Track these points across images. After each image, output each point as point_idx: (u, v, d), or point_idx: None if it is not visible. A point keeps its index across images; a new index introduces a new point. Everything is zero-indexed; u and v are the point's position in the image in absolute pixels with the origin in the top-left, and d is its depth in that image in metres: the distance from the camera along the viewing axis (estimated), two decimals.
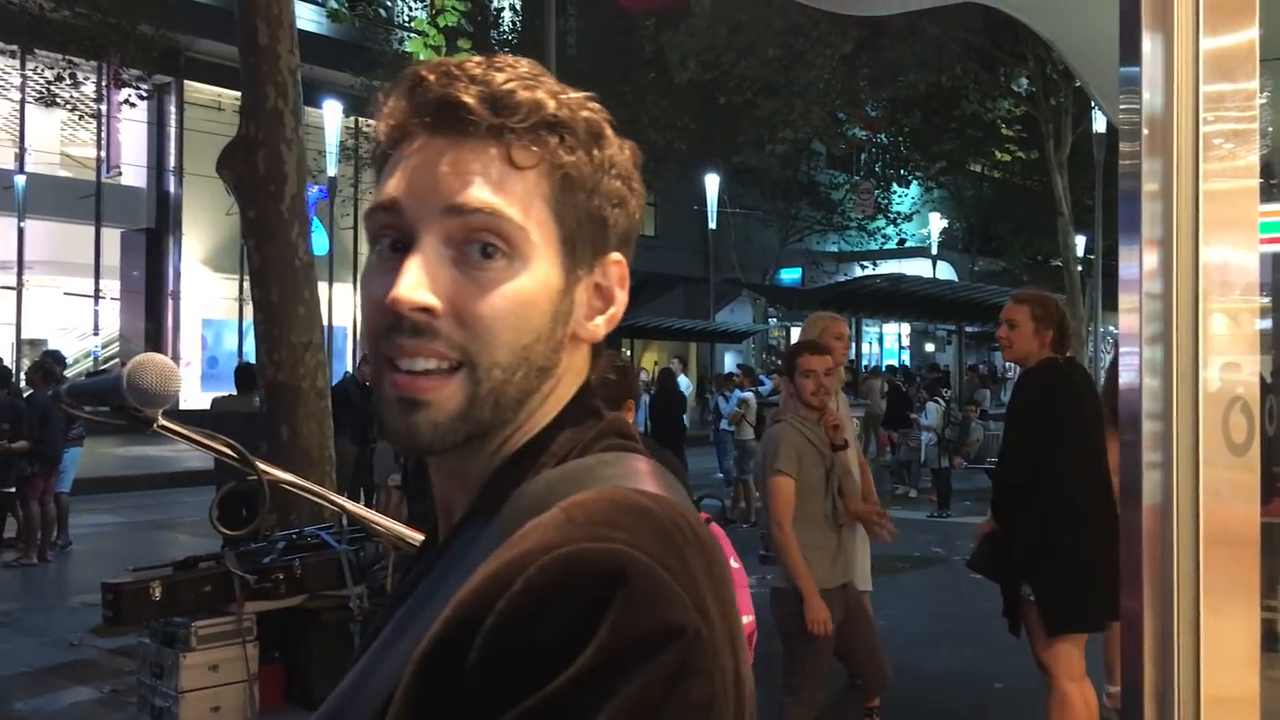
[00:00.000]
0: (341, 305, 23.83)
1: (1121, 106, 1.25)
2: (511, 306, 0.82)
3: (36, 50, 18.84)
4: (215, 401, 9.84)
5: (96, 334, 24.96)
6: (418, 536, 1.47)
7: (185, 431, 1.30)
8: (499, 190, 0.83)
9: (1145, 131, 1.22)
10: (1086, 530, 4.01)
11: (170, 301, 26.28)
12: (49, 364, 10.43)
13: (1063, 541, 4.08)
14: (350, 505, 1.42)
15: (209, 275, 27.04)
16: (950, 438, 13.85)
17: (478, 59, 0.87)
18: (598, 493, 0.78)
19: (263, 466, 1.39)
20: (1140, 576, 1.22)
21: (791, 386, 4.45)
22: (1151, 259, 1.22)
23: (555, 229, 0.85)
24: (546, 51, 11.66)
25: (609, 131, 0.90)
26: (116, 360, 25.73)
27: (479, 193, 0.82)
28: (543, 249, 0.84)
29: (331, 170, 19.41)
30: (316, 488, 1.42)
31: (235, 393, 9.45)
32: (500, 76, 0.84)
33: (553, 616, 0.69)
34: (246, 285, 26.62)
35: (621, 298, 0.91)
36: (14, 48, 18.94)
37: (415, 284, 0.81)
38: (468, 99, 0.83)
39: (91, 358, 24.52)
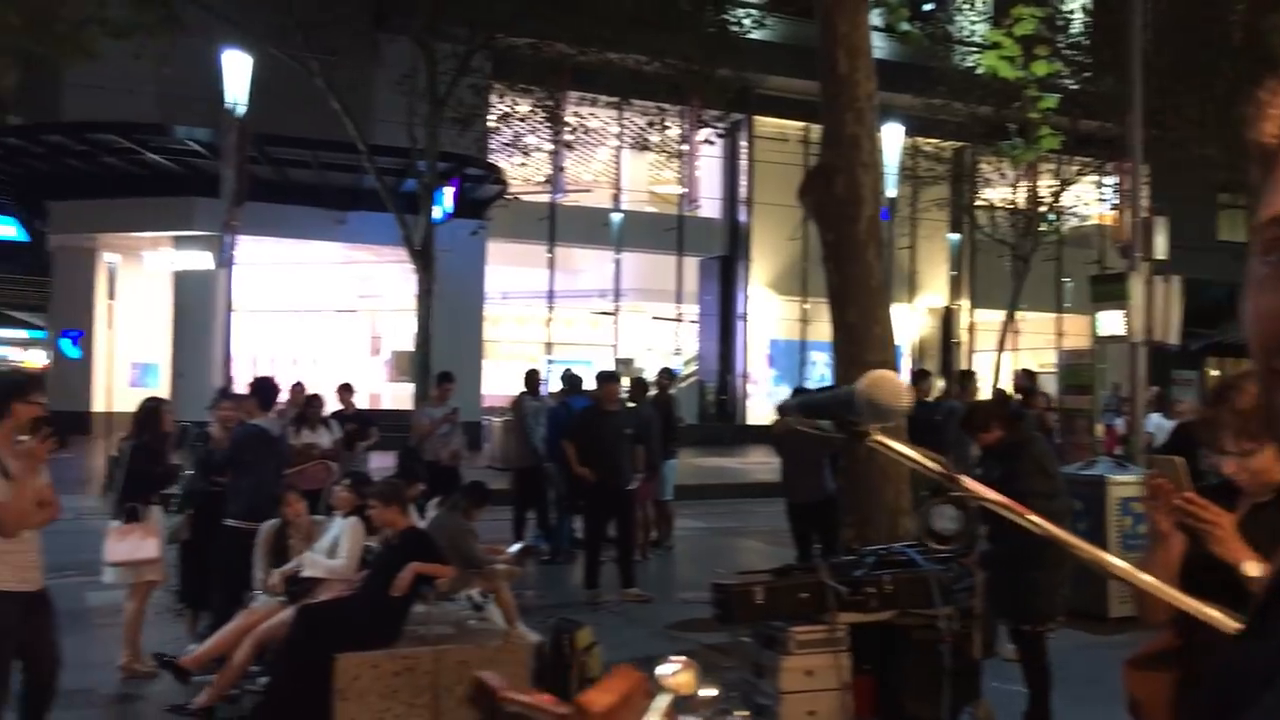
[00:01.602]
0: (896, 325, 23.98)
1: None
2: None
3: (631, 101, 21.10)
4: (777, 422, 10.33)
5: (678, 354, 27.39)
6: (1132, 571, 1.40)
7: (897, 446, 1.35)
8: None
9: None
10: None
11: (739, 323, 28.13)
12: (661, 380, 11.95)
13: None
14: (1056, 530, 1.37)
15: (773, 298, 28.56)
16: None
17: None
18: None
19: (968, 484, 1.40)
20: None
21: None
22: None
23: None
24: (1129, 49, 10.91)
25: None
26: (694, 376, 28.03)
27: None
28: None
29: (891, 192, 19.62)
30: (1020, 508, 1.40)
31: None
32: None
33: None
34: (807, 307, 27.60)
35: None
36: (615, 99, 21.39)
37: None
38: None
39: (673, 376, 26.91)
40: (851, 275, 7.78)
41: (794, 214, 26.59)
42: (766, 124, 27.43)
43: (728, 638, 7.14)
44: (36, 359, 31.36)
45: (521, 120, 19.44)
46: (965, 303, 30.60)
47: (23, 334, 33.39)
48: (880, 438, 1.35)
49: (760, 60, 21.22)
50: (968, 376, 11.86)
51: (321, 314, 27.10)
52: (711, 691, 3.36)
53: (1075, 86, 18.60)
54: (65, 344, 23.31)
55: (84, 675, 6.05)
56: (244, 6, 15.37)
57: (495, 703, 3.01)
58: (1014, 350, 25.87)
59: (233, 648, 6.06)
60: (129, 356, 24.09)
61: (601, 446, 9.25)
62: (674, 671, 2.94)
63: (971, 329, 30.74)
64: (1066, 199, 22.77)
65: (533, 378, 11.62)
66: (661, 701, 2.91)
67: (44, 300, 25.62)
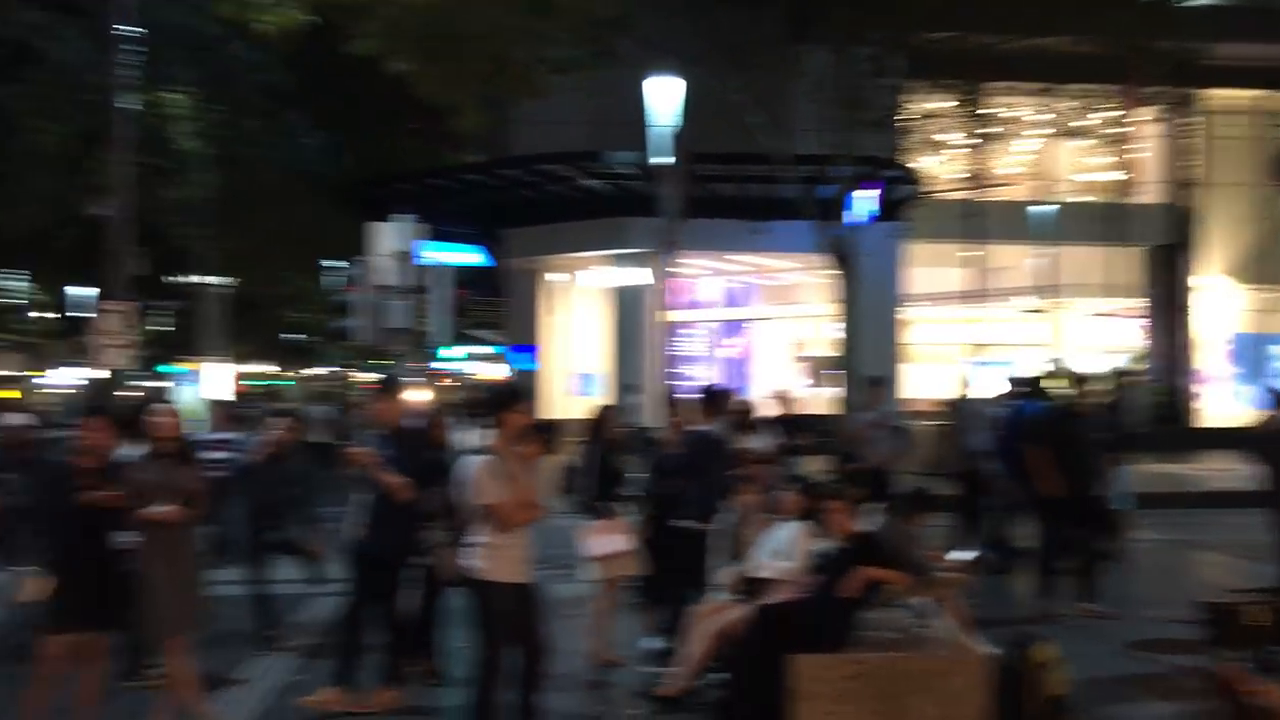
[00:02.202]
0: None
1: None
2: None
3: (1059, 86, 19.95)
4: (1266, 422, 9.28)
5: (1119, 353, 25.49)
6: None
7: None
8: None
9: None
10: None
11: (1189, 317, 25.70)
12: (1118, 379, 11.27)
13: None
14: None
15: (1234, 287, 25.84)
16: None
17: None
18: None
19: None
20: None
21: None
22: None
23: None
24: None
25: None
26: (1142, 376, 25.93)
27: None
28: None
29: None
30: None
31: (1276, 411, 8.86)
32: None
33: None
34: (1277, 296, 24.65)
35: None
36: (1041, 85, 20.29)
37: None
38: None
39: (1122, 376, 25.05)
40: None
41: (1255, 193, 23.94)
42: (1217, 96, 24.83)
43: (1204, 660, 6.52)
44: (497, 373, 34.78)
45: (939, 117, 18.94)
46: None
47: (487, 350, 37.19)
48: None
49: (1208, 27, 19.22)
50: None
51: (744, 322, 27.94)
52: None
53: None
54: (520, 358, 25.68)
55: (561, 661, 6.58)
56: (670, 34, 16.12)
57: (1238, 696, 2.95)
58: None
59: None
60: (572, 367, 26.10)
61: (1072, 451, 8.74)
62: None
63: None
64: None
65: (969, 380, 11.28)
66: None
67: (501, 319, 28.38)
